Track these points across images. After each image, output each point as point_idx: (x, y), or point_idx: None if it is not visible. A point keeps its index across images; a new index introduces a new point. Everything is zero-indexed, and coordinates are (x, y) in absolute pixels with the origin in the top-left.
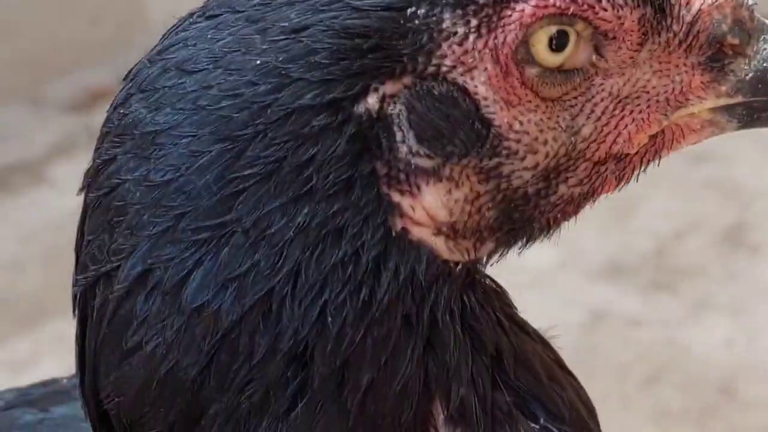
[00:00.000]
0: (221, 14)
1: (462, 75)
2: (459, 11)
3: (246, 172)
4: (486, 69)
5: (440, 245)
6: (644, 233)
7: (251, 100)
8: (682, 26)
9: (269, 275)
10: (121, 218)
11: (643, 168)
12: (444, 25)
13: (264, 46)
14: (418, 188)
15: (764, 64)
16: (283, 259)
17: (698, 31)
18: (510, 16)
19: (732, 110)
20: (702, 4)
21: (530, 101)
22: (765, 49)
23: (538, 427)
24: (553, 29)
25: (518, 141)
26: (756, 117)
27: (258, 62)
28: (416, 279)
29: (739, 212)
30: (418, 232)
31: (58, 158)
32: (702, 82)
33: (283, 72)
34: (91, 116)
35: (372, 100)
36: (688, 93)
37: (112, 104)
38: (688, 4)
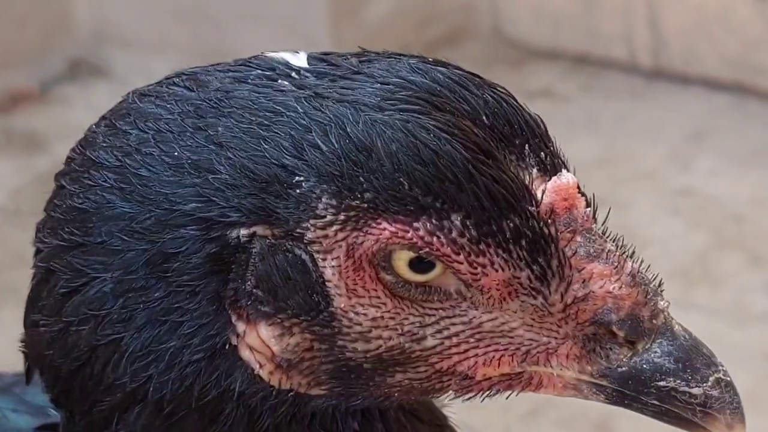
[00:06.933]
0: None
1: (317, 252)
2: (334, 201)
3: (125, 238)
4: (338, 257)
5: (267, 371)
6: None
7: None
8: (563, 298)
9: (119, 328)
10: (45, 221)
11: (491, 395)
12: (318, 205)
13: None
14: (256, 320)
15: (644, 365)
16: (131, 321)
17: (583, 309)
18: (372, 227)
19: (600, 387)
20: (600, 287)
21: (378, 297)
22: (656, 352)
23: None
24: (412, 254)
25: (350, 327)
26: (626, 402)
27: (176, 153)
28: (235, 390)
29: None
30: (248, 355)
31: None
32: (569, 354)
33: (187, 176)
34: (10, 119)
35: (245, 232)
36: (552, 356)
37: None
38: (584, 281)
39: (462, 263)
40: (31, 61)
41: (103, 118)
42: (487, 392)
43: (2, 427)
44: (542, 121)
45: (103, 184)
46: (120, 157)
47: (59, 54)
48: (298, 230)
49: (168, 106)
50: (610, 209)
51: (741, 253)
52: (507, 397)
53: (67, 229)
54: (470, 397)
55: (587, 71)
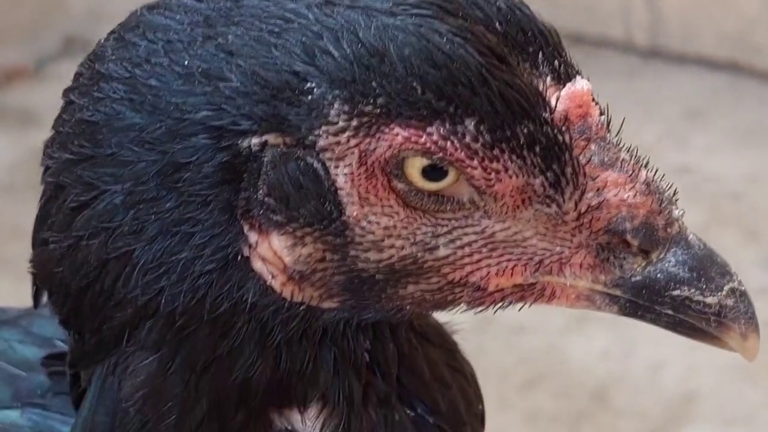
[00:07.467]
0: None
1: (329, 160)
2: (347, 107)
3: (136, 149)
4: (351, 164)
5: (279, 282)
6: None
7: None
8: (577, 206)
9: (130, 240)
10: (53, 138)
11: (504, 306)
12: (330, 112)
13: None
14: (268, 230)
15: (658, 275)
16: (142, 233)
17: (597, 218)
18: (385, 133)
19: (614, 298)
20: (614, 195)
21: (390, 206)
22: (670, 261)
23: (414, 414)
24: (425, 161)
25: (363, 236)
26: (640, 314)
27: (186, 63)
28: (247, 302)
29: None
30: (260, 266)
31: None
32: (583, 263)
33: (198, 85)
34: (5, 95)
35: (256, 140)
36: (565, 266)
37: None
38: (599, 189)
39: (476, 168)
40: (26, 38)
41: (112, 32)
42: (500, 304)
43: (9, 358)
44: (556, 31)
45: (113, 95)
46: (129, 69)
47: (54, 31)
48: (310, 138)
49: (177, 17)
50: (624, 119)
51: (737, 230)
52: (519, 309)
53: (76, 143)
54: (482, 309)
55: (584, 50)
